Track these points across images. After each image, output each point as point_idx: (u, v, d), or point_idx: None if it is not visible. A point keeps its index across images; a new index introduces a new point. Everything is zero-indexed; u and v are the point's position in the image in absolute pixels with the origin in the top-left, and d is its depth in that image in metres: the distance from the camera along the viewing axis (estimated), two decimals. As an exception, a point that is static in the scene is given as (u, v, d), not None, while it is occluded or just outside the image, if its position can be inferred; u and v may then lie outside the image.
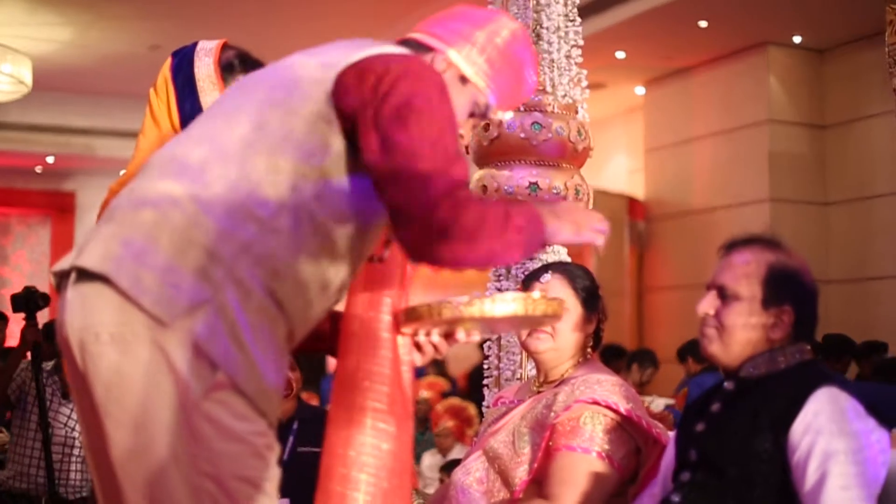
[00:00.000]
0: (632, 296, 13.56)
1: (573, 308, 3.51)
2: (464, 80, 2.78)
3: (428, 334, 2.84)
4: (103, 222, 2.54)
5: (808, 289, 2.90)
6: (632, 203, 13.88)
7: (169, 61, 3.41)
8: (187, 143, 2.62)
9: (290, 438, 5.80)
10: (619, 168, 15.18)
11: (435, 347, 2.87)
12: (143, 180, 2.59)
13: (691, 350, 10.20)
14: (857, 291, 11.48)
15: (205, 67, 3.33)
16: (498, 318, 2.69)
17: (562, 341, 3.52)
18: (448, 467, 7.49)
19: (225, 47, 3.43)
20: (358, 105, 2.54)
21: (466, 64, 2.77)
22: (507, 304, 2.65)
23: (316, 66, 2.62)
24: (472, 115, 2.84)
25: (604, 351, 10.64)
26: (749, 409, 2.79)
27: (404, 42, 2.84)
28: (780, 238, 3.00)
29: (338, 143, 2.56)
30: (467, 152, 4.91)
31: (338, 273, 2.65)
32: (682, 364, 10.51)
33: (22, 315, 6.32)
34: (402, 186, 2.47)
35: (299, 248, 2.53)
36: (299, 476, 5.88)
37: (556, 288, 3.56)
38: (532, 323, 3.14)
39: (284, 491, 5.69)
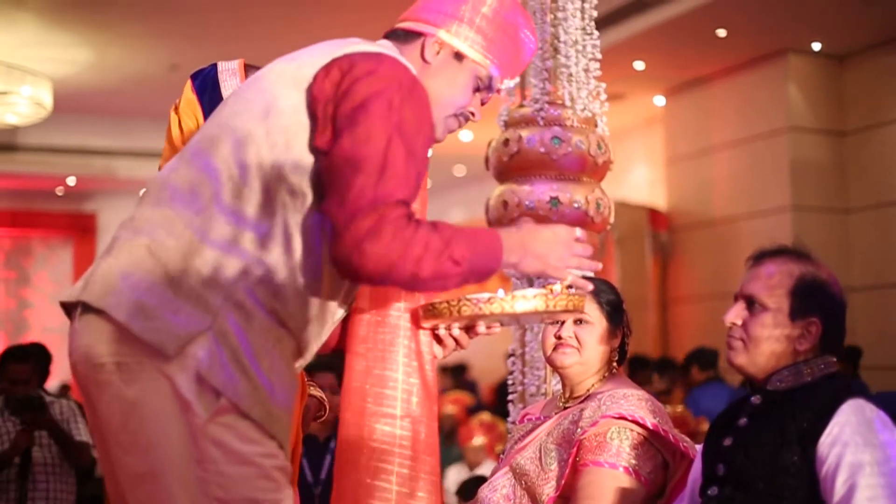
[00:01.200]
0: (655, 307, 13.51)
1: (598, 322, 3.52)
2: (459, 56, 2.76)
3: (449, 328, 2.83)
4: (105, 252, 2.56)
5: (836, 301, 2.89)
6: (653, 214, 13.83)
7: (189, 84, 3.42)
8: (179, 165, 2.62)
9: (328, 457, 5.79)
10: (640, 179, 15.14)
11: (456, 341, 2.86)
12: (140, 208, 2.60)
13: (696, 358, 10.20)
14: (881, 298, 11.42)
15: (232, 88, 3.33)
16: (519, 315, 2.73)
17: (587, 355, 3.51)
18: (463, 489, 7.48)
19: (247, 67, 3.44)
20: (319, 99, 2.51)
21: (458, 40, 2.75)
22: (528, 301, 2.68)
23: (294, 72, 2.61)
24: (477, 89, 2.81)
25: (628, 362, 10.61)
26: (776, 422, 2.78)
27: (392, 32, 2.83)
28: (807, 249, 2.99)
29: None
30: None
31: (340, 284, 2.63)
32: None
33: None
34: (335, 192, 2.44)
35: (297, 264, 2.53)
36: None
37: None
38: (555, 316, 3.13)
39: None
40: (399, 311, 2.80)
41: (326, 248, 2.53)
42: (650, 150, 14.82)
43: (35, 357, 6.75)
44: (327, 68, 2.55)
